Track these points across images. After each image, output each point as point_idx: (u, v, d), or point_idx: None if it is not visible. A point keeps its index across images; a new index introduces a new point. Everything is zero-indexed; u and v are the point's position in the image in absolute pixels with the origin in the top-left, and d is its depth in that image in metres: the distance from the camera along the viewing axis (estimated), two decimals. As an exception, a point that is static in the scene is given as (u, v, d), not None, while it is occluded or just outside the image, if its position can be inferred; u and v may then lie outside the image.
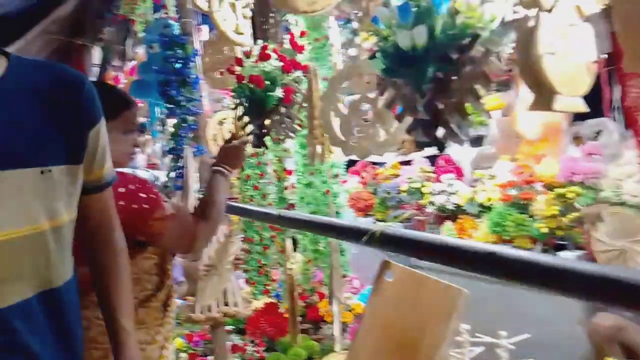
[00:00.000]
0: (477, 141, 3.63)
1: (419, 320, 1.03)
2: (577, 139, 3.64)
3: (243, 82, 1.55)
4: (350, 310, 3.10)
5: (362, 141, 1.13)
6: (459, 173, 3.59)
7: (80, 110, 0.92)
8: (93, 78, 5.24)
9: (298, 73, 1.57)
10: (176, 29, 2.45)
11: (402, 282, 1.13)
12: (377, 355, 1.03)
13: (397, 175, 3.88)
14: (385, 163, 4.21)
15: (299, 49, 1.58)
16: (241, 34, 1.81)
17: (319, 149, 1.28)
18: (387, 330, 1.11)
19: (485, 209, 2.99)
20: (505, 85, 3.44)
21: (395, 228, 1.08)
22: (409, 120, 1.07)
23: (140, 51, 3.27)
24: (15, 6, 3.63)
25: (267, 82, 1.54)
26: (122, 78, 4.20)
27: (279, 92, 1.55)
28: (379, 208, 3.59)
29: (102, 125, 0.99)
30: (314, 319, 3.30)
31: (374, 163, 4.52)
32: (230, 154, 1.56)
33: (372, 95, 1.12)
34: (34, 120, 0.87)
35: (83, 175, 0.96)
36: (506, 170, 3.12)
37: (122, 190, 1.25)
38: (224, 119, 2.49)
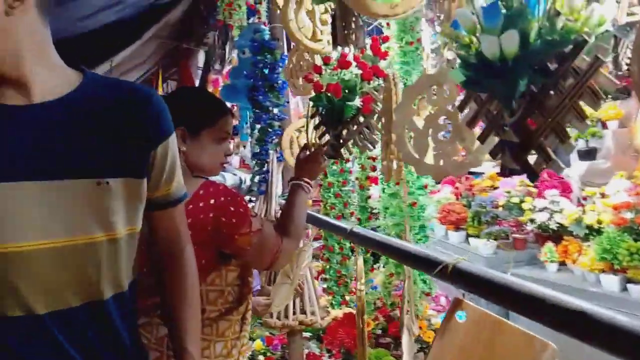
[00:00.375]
0: (588, 154, 3.26)
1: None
2: None
3: (321, 91, 1.48)
4: (435, 330, 2.92)
5: (438, 160, 1.00)
6: (566, 189, 3.25)
7: (144, 127, 0.93)
8: (197, 80, 5.51)
9: (380, 81, 1.47)
10: (266, 34, 2.46)
11: (475, 325, 0.99)
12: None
13: (494, 188, 3.61)
14: (482, 174, 3.94)
15: (382, 55, 1.48)
16: (319, 40, 1.74)
17: (394, 164, 1.17)
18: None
19: (593, 231, 2.66)
20: (624, 92, 3.05)
21: (469, 263, 0.94)
22: (493, 140, 0.92)
23: (235, 56, 3.35)
24: (129, 12, 3.90)
25: (346, 91, 1.45)
26: (221, 81, 4.35)
27: (357, 102, 1.46)
28: (471, 223, 3.35)
29: (171, 141, 0.98)
30: (394, 335, 3.16)
31: (470, 173, 4.26)
32: (306, 166, 1.53)
33: (451, 108, 0.99)
34: (96, 134, 0.88)
35: (149, 190, 0.96)
36: (621, 189, 2.75)
37: (212, 202, 1.26)
38: (302, 126, 2.45)
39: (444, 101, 1.02)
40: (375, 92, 1.47)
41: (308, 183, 1.51)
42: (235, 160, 4.58)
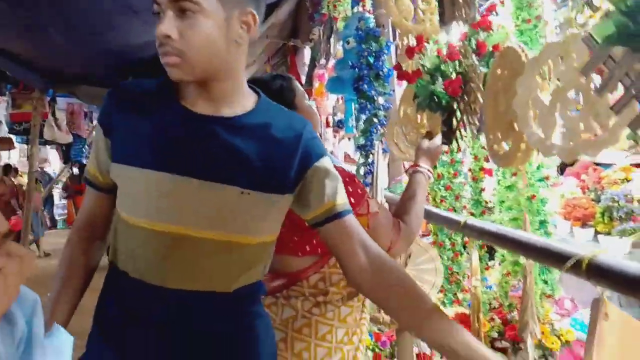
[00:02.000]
0: None
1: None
2: None
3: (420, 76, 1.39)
4: (558, 336, 2.66)
5: (567, 139, 0.87)
6: None
7: (297, 150, 1.03)
8: (303, 76, 5.61)
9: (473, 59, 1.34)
10: (370, 22, 2.40)
11: (620, 330, 0.85)
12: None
13: (628, 180, 3.20)
14: (613, 165, 3.52)
15: (488, 27, 1.34)
16: (422, 21, 1.63)
17: (522, 146, 1.04)
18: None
19: None
20: None
21: (608, 256, 0.80)
22: (634, 110, 0.78)
23: (340, 48, 3.33)
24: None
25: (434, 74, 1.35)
26: (326, 75, 4.37)
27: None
28: (600, 219, 3.00)
29: (324, 164, 1.07)
30: (512, 339, 2.93)
31: (598, 164, 3.83)
32: (429, 153, 1.50)
33: (582, 80, 0.85)
34: (254, 150, 1.00)
35: (311, 207, 1.07)
36: None
37: None
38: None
39: (573, 72, 0.89)
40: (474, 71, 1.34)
41: (429, 170, 1.48)
42: (340, 154, 4.57)
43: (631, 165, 3.37)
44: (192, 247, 0.97)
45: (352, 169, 3.09)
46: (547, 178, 2.46)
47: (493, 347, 3.09)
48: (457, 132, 1.39)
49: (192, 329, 1.00)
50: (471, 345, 0.94)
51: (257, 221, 1.01)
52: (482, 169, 2.61)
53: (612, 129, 0.79)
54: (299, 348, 1.31)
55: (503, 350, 3.02)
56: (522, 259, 2.47)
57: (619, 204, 2.83)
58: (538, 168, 2.45)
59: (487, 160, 2.74)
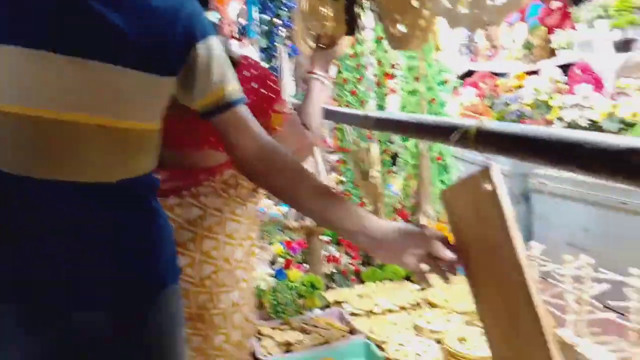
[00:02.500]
0: (625, 46, 3.00)
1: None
2: None
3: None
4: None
5: (472, 6, 0.85)
6: (598, 85, 3.03)
7: (176, 24, 0.93)
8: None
9: None
10: None
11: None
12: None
13: (521, 87, 3.40)
14: (508, 74, 3.71)
15: None
16: None
17: (421, 22, 1.00)
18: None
19: (628, 126, 2.49)
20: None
21: (496, 122, 0.83)
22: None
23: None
24: None
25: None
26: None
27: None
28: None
29: (210, 45, 0.98)
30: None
31: (495, 73, 4.02)
32: (323, 58, 1.50)
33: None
34: (127, 21, 0.88)
35: (191, 95, 1.00)
36: (662, 81, 2.54)
37: (254, 72, 1.31)
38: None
39: None
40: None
41: (324, 76, 1.47)
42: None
43: (524, 73, 3.57)
44: (60, 132, 0.86)
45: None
46: (446, 82, 2.53)
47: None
48: (359, 18, 1.34)
49: (73, 226, 0.91)
50: (360, 215, 0.99)
51: (131, 104, 0.91)
52: (385, 74, 2.62)
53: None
54: (208, 246, 1.31)
55: (406, 250, 3.24)
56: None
57: (510, 107, 3.00)
58: (439, 72, 2.50)
59: (393, 66, 2.75)
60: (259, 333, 2.33)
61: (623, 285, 1.94)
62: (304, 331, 2.36)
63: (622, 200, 2.39)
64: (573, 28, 3.41)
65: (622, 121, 2.52)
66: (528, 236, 3.16)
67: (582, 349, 1.89)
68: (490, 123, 0.82)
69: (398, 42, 1.12)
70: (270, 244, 3.37)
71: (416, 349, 2.05)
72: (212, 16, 1.38)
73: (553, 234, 2.83)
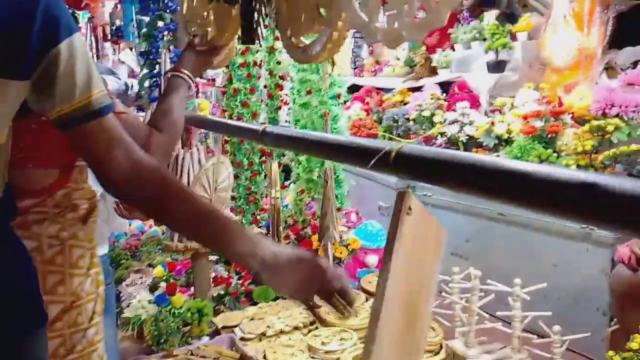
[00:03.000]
0: (498, 66, 3.23)
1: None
2: (611, 70, 3.24)
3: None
4: (346, 246, 2.85)
5: (392, 21, 0.77)
6: (475, 102, 3.23)
7: (34, 18, 0.76)
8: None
9: None
10: None
11: (420, 223, 0.83)
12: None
13: (405, 103, 3.51)
14: (393, 89, 3.83)
15: None
16: None
17: (334, 35, 0.91)
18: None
19: (503, 142, 2.66)
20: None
21: (415, 146, 0.76)
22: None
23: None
24: None
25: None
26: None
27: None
28: (383, 137, 3.25)
29: (74, 43, 0.81)
30: (306, 253, 3.06)
31: (380, 89, 4.14)
32: (192, 58, 1.37)
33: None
34: None
35: (49, 102, 0.82)
36: (529, 100, 2.76)
37: None
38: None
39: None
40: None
41: (190, 78, 1.34)
42: (122, 70, 4.04)
43: (407, 89, 3.70)
44: None
45: (130, 82, 2.69)
46: (338, 96, 2.50)
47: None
48: (259, 26, 1.22)
49: None
50: (250, 239, 0.91)
51: None
52: (278, 85, 2.53)
53: (438, 8, 0.71)
54: (52, 282, 1.10)
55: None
56: (315, 174, 2.51)
57: (398, 123, 3.08)
58: (331, 85, 2.46)
59: (282, 78, 2.66)
60: (138, 371, 2.08)
61: (507, 295, 2.04)
62: (191, 363, 2.15)
63: (500, 212, 2.54)
64: (452, 48, 3.61)
65: (498, 137, 2.69)
66: (415, 247, 3.25)
67: (472, 359, 1.94)
68: (410, 147, 0.74)
69: (303, 54, 1.02)
70: (150, 266, 3.08)
71: (313, 373, 1.97)
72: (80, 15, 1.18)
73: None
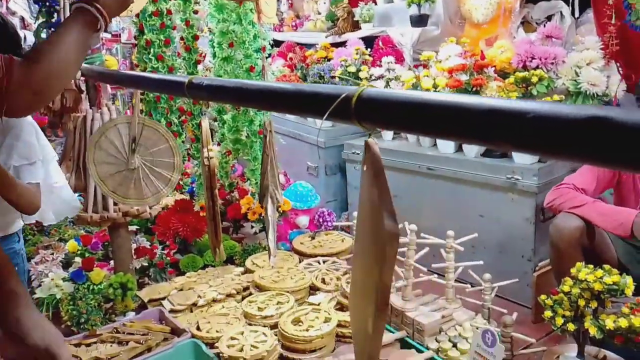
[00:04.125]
0: (420, 21, 3.21)
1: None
2: (527, 24, 3.34)
3: None
4: (277, 207, 2.76)
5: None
6: (399, 57, 3.20)
7: None
8: None
9: None
10: None
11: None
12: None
13: (329, 59, 3.41)
14: (315, 45, 3.70)
15: None
16: None
17: None
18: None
19: (430, 96, 2.64)
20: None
21: (377, 89, 0.67)
22: None
23: None
24: None
25: None
26: None
27: None
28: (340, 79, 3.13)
29: None
30: (234, 218, 2.94)
31: (301, 44, 3.99)
32: None
33: None
34: None
35: None
36: (453, 54, 2.76)
37: None
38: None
39: None
40: None
41: (101, 14, 1.05)
42: (13, 22, 3.54)
43: (330, 44, 3.59)
44: None
45: (29, 33, 2.35)
46: (263, 49, 2.34)
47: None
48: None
49: None
50: None
51: None
52: (195, 36, 2.31)
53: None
54: None
55: (225, 230, 3.03)
56: (243, 135, 2.37)
57: (324, 79, 2.97)
58: (255, 38, 2.30)
59: (196, 12, 2.42)
60: (58, 355, 1.89)
61: (440, 247, 2.07)
62: (117, 342, 1.99)
63: (429, 167, 2.56)
64: (374, 2, 3.53)
65: (425, 91, 2.67)
66: (344, 206, 3.24)
67: (411, 312, 1.97)
68: (371, 90, 0.65)
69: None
70: (61, 240, 2.81)
71: (251, 340, 1.89)
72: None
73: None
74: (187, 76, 1.16)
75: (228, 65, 2.28)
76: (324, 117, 0.74)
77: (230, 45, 2.27)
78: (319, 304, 2.15)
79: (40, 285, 2.27)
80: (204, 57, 2.36)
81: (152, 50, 2.16)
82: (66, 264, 2.59)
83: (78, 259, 2.55)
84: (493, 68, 2.56)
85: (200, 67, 2.36)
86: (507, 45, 2.65)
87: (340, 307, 2.12)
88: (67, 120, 2.05)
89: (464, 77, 2.51)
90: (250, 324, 2.05)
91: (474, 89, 2.46)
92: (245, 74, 2.26)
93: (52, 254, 2.59)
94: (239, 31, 2.16)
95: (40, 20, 1.86)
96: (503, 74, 2.58)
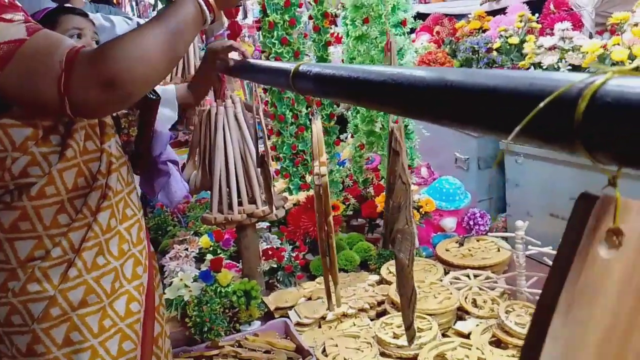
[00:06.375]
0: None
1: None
2: None
3: None
4: (417, 208, 2.38)
5: None
6: (577, 22, 2.55)
7: None
8: None
9: None
10: None
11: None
12: None
13: (485, 30, 2.88)
14: (468, 15, 3.18)
15: None
16: None
17: None
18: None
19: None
20: None
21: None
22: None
23: None
24: None
25: None
26: None
27: None
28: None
29: None
30: (369, 216, 2.63)
31: (451, 15, 3.48)
32: None
33: None
34: None
35: None
36: (657, 14, 2.08)
37: None
38: None
39: None
40: None
41: (208, 2, 0.90)
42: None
43: (486, 13, 3.05)
44: None
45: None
46: (404, 23, 1.96)
47: (350, 227, 2.80)
48: None
49: None
50: None
51: None
52: (325, 14, 2.00)
53: None
54: None
55: (360, 229, 2.75)
56: (378, 127, 2.03)
57: (478, 54, 2.48)
58: (393, 10, 1.92)
59: (337, 7, 2.14)
60: (177, 368, 1.78)
61: None
62: (238, 358, 1.83)
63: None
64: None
65: (615, 65, 2.05)
66: (502, 206, 2.73)
67: None
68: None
69: None
70: (197, 234, 2.77)
71: (383, 375, 1.58)
72: None
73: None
74: (294, 63, 0.86)
75: (362, 45, 1.94)
76: (510, 137, 0.38)
77: (365, 21, 1.92)
78: (468, 335, 1.75)
79: (171, 284, 2.21)
80: (339, 38, 2.05)
81: (275, 33, 1.92)
82: (200, 259, 2.53)
83: (210, 256, 2.46)
84: None
85: (332, 49, 2.06)
86: None
87: (497, 343, 1.70)
88: (190, 114, 1.91)
89: (677, 44, 1.85)
90: (383, 354, 1.73)
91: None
92: (382, 54, 1.90)
93: (187, 249, 2.54)
94: (374, 3, 1.81)
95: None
96: None
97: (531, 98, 0.34)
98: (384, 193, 0.86)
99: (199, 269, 2.35)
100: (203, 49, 2.06)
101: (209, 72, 1.44)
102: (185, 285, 2.18)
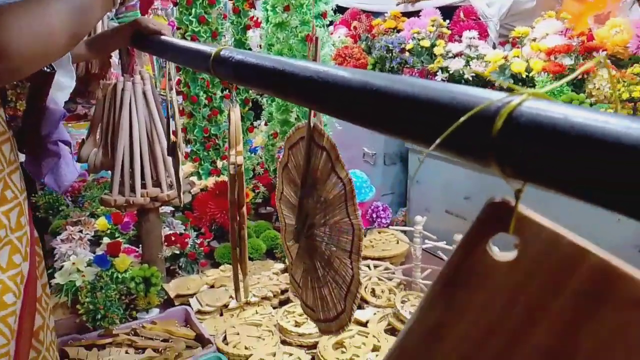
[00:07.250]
0: (512, -10, 2.71)
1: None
2: (643, -1, 2.77)
3: None
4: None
5: None
6: (483, 32, 2.73)
7: None
8: None
9: None
10: None
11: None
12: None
13: (399, 30, 2.98)
14: (385, 13, 3.27)
15: None
16: None
17: None
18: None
19: (519, 82, 2.20)
20: None
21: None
22: None
23: None
24: None
25: None
26: None
27: None
28: (373, 70, 2.74)
29: None
30: (278, 205, 2.63)
31: (368, 12, 3.56)
32: None
33: None
34: None
35: None
36: (552, 31, 2.28)
37: None
38: None
39: None
40: None
41: None
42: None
43: (402, 13, 3.15)
44: None
45: None
46: (324, 15, 1.97)
47: (258, 214, 2.78)
48: None
49: None
50: None
51: None
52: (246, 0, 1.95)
53: None
54: None
55: (268, 217, 2.74)
56: (293, 117, 2.03)
57: (392, 54, 2.56)
58: (315, 1, 1.92)
59: None
60: (66, 357, 1.67)
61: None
62: (134, 347, 1.76)
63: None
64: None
65: (514, 76, 2.23)
66: (403, 201, 2.86)
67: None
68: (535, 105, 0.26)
69: None
70: (93, 216, 2.60)
71: (283, 364, 1.60)
72: None
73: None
74: (215, 46, 0.83)
75: (281, 32, 1.92)
76: (430, 148, 0.39)
77: (285, 9, 1.90)
78: (366, 323, 1.82)
79: (61, 268, 2.05)
80: (258, 22, 2.01)
81: (193, 10, 1.84)
82: (95, 243, 2.38)
83: (106, 239, 2.33)
84: (605, 52, 2.07)
85: (250, 33, 2.01)
86: (624, 24, 2.14)
87: (392, 331, 1.78)
88: (94, 88, 1.78)
89: (567, 61, 2.04)
90: (284, 341, 1.75)
91: (580, 77, 1.99)
92: (300, 44, 1.90)
93: (81, 231, 2.38)
94: (296, -8, 1.80)
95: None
96: (616, 61, 2.09)
97: (451, 111, 0.35)
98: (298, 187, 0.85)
99: (94, 252, 2.21)
100: (112, 19, 1.92)
101: (118, 42, 1.30)
102: (78, 270, 2.04)
